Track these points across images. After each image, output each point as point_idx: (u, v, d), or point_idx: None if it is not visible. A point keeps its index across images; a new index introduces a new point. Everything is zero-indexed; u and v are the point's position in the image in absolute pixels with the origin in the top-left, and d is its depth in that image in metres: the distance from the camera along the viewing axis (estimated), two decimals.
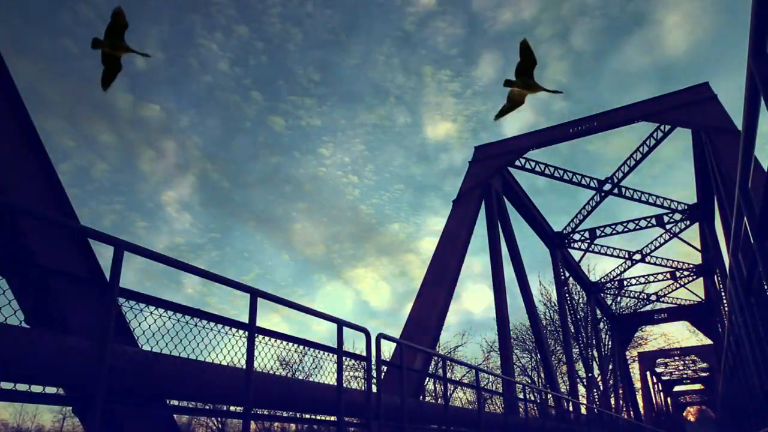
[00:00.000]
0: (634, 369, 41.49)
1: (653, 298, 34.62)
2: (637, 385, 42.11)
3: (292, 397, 5.41)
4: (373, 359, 6.65)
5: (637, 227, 25.58)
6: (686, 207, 24.18)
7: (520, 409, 12.90)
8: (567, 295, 28.54)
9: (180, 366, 4.21)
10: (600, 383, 29.54)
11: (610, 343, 33.42)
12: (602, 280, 32.17)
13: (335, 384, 5.90)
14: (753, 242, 3.81)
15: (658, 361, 45.22)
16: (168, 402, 4.48)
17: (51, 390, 3.44)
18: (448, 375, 9.44)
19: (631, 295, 34.37)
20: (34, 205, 4.88)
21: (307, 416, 5.96)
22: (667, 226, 25.48)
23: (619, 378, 33.94)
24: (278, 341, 5.22)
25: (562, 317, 27.17)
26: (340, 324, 6.14)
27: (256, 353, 4.69)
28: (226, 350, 4.62)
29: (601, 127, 19.49)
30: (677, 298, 35.00)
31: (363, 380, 7.91)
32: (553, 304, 30.63)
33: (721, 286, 24.95)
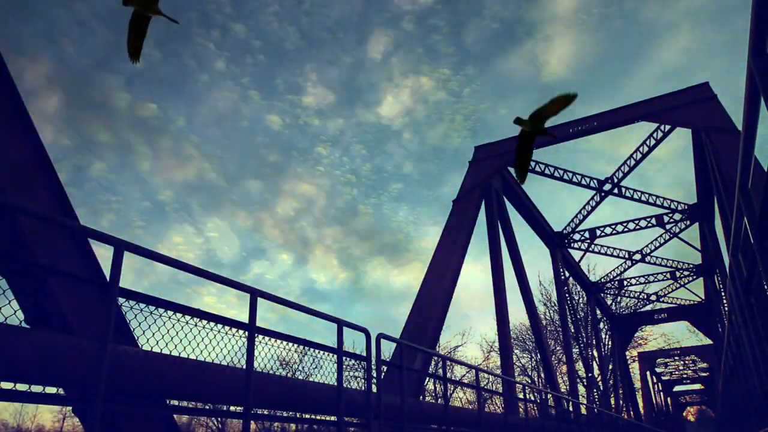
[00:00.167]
0: (634, 369, 41.55)
1: (653, 298, 34.64)
2: (637, 385, 42.12)
3: (292, 397, 5.41)
4: (373, 359, 6.65)
5: (637, 227, 25.59)
6: (686, 207, 24.19)
7: (520, 409, 12.90)
8: (567, 295, 28.54)
9: (180, 366, 4.21)
10: (600, 383, 29.54)
11: (610, 343, 33.43)
12: (602, 280, 32.18)
13: (335, 384, 5.90)
14: (753, 242, 3.81)
15: (658, 361, 45.20)
16: (168, 402, 4.48)
17: (51, 390, 3.44)
18: (448, 375, 9.44)
19: (631, 295, 34.40)
20: (34, 205, 4.88)
21: (307, 416, 5.96)
22: (667, 226, 25.49)
23: (619, 378, 33.94)
24: (278, 341, 5.23)
25: (562, 317, 27.17)
26: (340, 324, 6.14)
27: (256, 353, 4.70)
28: (223, 345, 4.62)
29: (601, 127, 19.49)
30: (677, 298, 35.02)
31: (363, 380, 7.91)
32: (553, 304, 30.69)
33: (721, 286, 24.95)
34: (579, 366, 29.30)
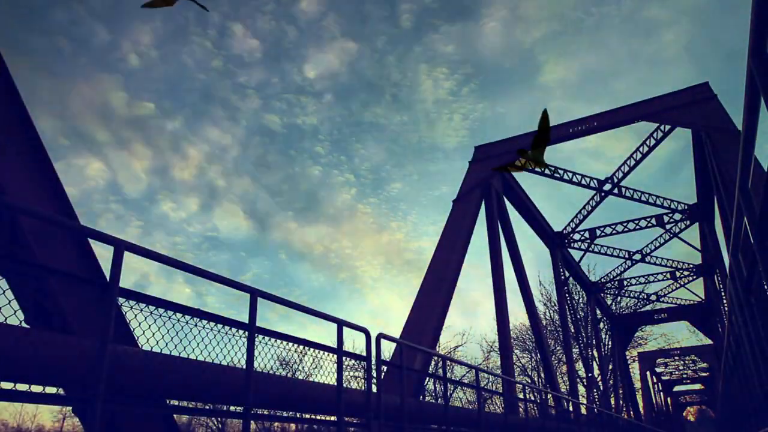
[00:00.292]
0: (634, 369, 41.56)
1: (653, 298, 34.64)
2: (637, 385, 42.14)
3: (292, 397, 5.41)
4: (373, 359, 6.66)
5: (637, 227, 25.58)
6: (686, 207, 24.19)
7: (520, 409, 12.90)
8: (567, 295, 28.54)
9: (180, 366, 4.21)
10: (600, 383, 29.54)
11: (610, 343, 33.43)
12: (602, 280, 32.18)
13: (335, 384, 5.90)
14: (753, 242, 3.81)
15: (658, 361, 45.21)
16: (168, 402, 4.48)
17: (51, 390, 3.44)
18: (448, 375, 9.44)
19: (631, 295, 34.39)
20: (34, 205, 4.88)
21: (307, 416, 5.96)
22: (667, 226, 25.48)
23: (619, 378, 33.95)
24: (279, 341, 5.23)
25: (562, 317, 27.17)
26: (340, 324, 6.14)
27: (255, 353, 4.69)
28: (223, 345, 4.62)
29: (601, 127, 19.50)
30: (677, 298, 35.02)
31: (363, 380, 7.91)
32: (553, 304, 30.67)
33: (721, 286, 24.96)
34: (579, 366, 29.31)
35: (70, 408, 5.43)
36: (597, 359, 30.68)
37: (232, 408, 4.91)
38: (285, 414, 5.67)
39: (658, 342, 40.69)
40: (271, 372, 5.44)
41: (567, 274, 28.43)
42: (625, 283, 32.96)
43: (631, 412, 36.90)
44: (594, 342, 30.80)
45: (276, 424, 29.87)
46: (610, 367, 32.30)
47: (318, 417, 6.02)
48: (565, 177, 21.86)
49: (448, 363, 10.47)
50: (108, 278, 3.65)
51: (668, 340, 40.82)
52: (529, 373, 33.10)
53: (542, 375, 27.33)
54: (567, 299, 28.28)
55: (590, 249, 27.25)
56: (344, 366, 6.10)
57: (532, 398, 16.68)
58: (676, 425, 51.32)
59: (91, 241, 4.82)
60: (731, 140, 14.66)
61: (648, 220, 25.44)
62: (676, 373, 50.31)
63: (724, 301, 23.92)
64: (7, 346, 3.19)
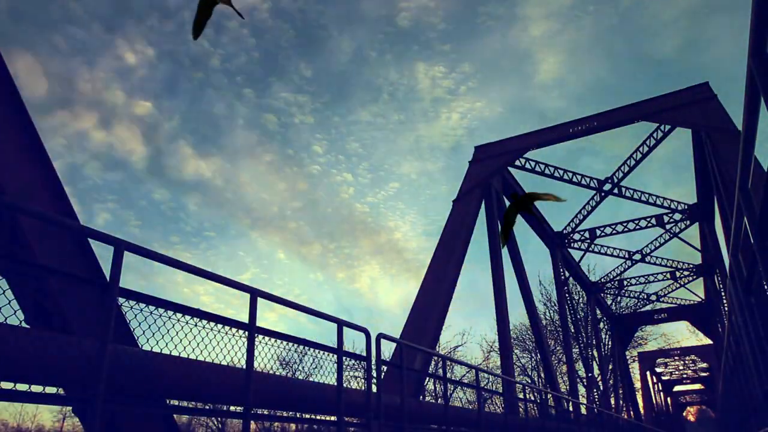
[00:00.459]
0: (634, 369, 41.59)
1: (653, 298, 34.64)
2: (637, 385, 42.19)
3: (292, 397, 5.42)
4: (373, 359, 6.65)
5: (637, 227, 25.59)
6: (686, 207, 24.19)
7: (520, 409, 12.90)
8: (567, 295, 28.55)
9: (180, 366, 4.21)
10: (600, 383, 29.54)
11: (610, 343, 33.43)
12: (602, 280, 32.18)
13: (335, 384, 5.90)
14: (753, 242, 3.81)
15: (658, 361, 45.25)
16: (168, 402, 4.48)
17: (51, 390, 3.44)
18: (448, 375, 9.44)
19: (631, 295, 34.40)
20: (34, 205, 4.88)
21: (307, 416, 5.96)
22: (667, 226, 25.49)
23: (619, 378, 33.95)
24: (279, 341, 5.23)
25: (562, 317, 27.18)
26: (340, 324, 6.14)
27: (255, 353, 4.69)
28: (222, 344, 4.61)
29: (601, 126, 19.49)
30: (677, 298, 35.02)
31: (363, 380, 7.91)
32: (553, 304, 30.67)
33: (721, 286, 24.95)
34: (579, 366, 29.32)
35: (70, 408, 5.43)
36: (597, 359, 30.69)
37: (232, 408, 4.92)
38: (285, 414, 5.67)
39: (658, 342, 40.77)
40: (271, 372, 5.44)
41: (567, 274, 28.43)
42: (625, 283, 32.96)
43: (631, 412, 36.90)
44: (594, 342, 30.80)
45: (276, 424, 29.87)
46: (610, 367, 32.30)
47: (318, 417, 6.02)
48: (565, 177, 21.85)
49: (448, 363, 10.47)
50: (108, 278, 3.65)
51: (668, 340, 40.92)
52: (529, 373, 33.09)
53: (542, 375, 27.32)
54: (567, 299, 28.29)
55: (590, 249, 27.26)
56: (344, 366, 6.10)
57: (532, 398, 16.68)
58: (676, 425, 51.31)
59: (91, 241, 4.82)
60: (731, 140, 14.66)
61: (648, 220, 25.44)
62: (676, 373, 50.33)
63: (724, 301, 23.92)
64: (7, 346, 3.19)
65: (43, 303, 4.52)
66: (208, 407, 5.86)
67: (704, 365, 45.03)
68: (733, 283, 5.91)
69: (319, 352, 5.94)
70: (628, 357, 39.12)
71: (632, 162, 21.31)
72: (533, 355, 32.65)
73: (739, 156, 3.60)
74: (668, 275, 32.07)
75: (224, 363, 4.63)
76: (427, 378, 19.03)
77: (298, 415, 5.85)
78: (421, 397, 13.76)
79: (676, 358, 45.10)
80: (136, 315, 3.87)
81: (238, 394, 4.52)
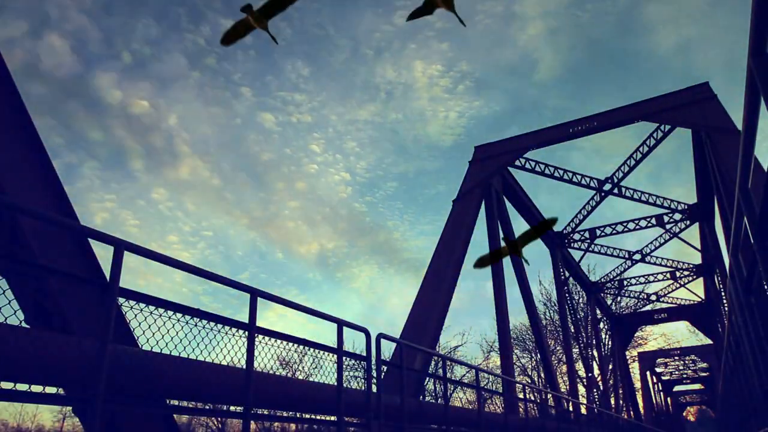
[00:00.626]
0: (634, 369, 41.54)
1: (653, 298, 34.64)
2: (637, 385, 42.12)
3: (292, 397, 5.41)
4: (373, 359, 6.65)
5: (637, 227, 25.58)
6: (686, 207, 24.19)
7: (520, 409, 12.90)
8: (567, 295, 28.54)
9: (180, 366, 4.21)
10: (600, 383, 29.54)
11: (610, 343, 33.43)
12: (602, 280, 32.18)
13: (335, 384, 5.90)
14: (753, 242, 3.81)
15: (658, 361, 45.20)
16: (168, 402, 4.48)
17: (51, 390, 3.44)
18: (448, 375, 9.44)
19: (631, 295, 34.41)
20: (34, 205, 4.88)
21: (307, 416, 5.96)
22: (667, 226, 25.49)
23: (619, 378, 33.94)
24: (279, 341, 5.23)
25: (562, 317, 27.17)
26: (340, 324, 6.14)
27: (255, 353, 4.69)
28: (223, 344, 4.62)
29: (601, 126, 19.49)
30: (677, 298, 35.01)
31: (363, 380, 7.91)
32: (553, 304, 30.69)
33: (721, 286, 24.95)
34: (579, 366, 29.31)
35: (70, 408, 5.43)
36: (597, 359, 30.69)
37: (232, 408, 4.92)
38: (285, 414, 5.67)
39: (658, 342, 40.79)
40: (271, 372, 5.44)
41: (567, 274, 28.43)
42: (625, 283, 32.96)
43: (631, 412, 36.89)
44: (594, 342, 30.80)
45: (276, 424, 29.88)
46: (610, 367, 32.30)
47: (318, 417, 6.02)
48: (565, 177, 21.85)
49: (448, 363, 10.47)
50: (108, 278, 3.65)
51: (668, 340, 40.92)
52: (529, 373, 33.12)
53: (542, 375, 27.33)
54: (567, 299, 28.28)
55: (590, 249, 27.25)
56: (344, 366, 6.10)
57: (532, 398, 16.68)
58: (676, 425, 51.31)
59: (91, 241, 4.82)
60: (731, 140, 14.66)
61: (648, 220, 25.44)
62: (676, 373, 50.29)
63: (724, 301, 23.92)
64: (7, 346, 3.19)
65: (43, 303, 4.52)
66: (208, 407, 5.86)
67: (704, 365, 44.99)
68: (733, 283, 5.91)
69: (319, 352, 5.94)
70: (628, 357, 39.11)
71: (632, 162, 21.31)
72: (533, 355, 32.69)
73: (739, 156, 3.60)
74: (668, 275, 32.07)
75: (224, 363, 4.64)
76: (427, 378, 19.04)
77: (298, 415, 5.85)
78: (421, 397, 13.76)
79: (676, 358, 45.06)
80: (135, 315, 3.87)
81: (238, 394, 4.52)
